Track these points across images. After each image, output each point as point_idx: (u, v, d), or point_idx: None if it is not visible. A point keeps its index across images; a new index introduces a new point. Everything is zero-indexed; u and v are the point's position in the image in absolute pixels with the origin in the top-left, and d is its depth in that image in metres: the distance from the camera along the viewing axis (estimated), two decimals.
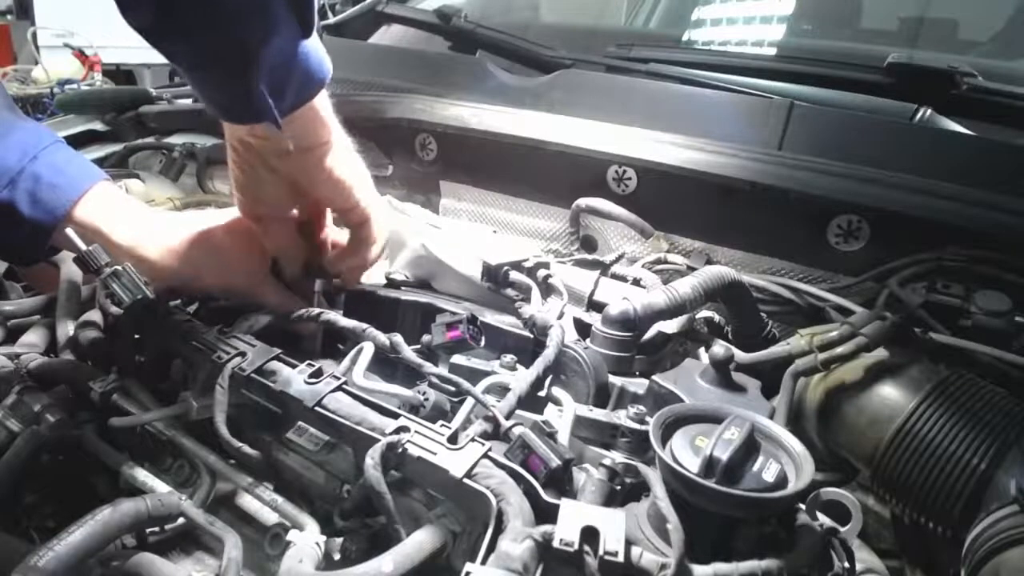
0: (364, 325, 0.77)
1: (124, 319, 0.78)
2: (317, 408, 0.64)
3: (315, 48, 0.69)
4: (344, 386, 0.67)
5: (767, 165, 0.99)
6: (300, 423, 0.67)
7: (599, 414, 0.71)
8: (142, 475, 0.68)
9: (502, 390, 0.70)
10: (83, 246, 0.75)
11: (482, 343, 0.80)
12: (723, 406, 0.60)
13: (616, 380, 0.77)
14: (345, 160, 0.79)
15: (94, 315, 0.87)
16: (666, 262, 1.03)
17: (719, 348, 0.73)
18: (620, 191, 1.11)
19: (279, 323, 0.83)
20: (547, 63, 1.34)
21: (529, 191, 1.20)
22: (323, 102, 0.75)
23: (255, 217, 0.83)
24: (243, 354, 0.71)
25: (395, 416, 0.63)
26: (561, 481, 0.58)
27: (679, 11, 1.99)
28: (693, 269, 0.97)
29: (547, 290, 0.90)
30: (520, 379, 0.70)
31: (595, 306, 0.90)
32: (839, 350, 0.71)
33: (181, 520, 0.63)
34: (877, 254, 0.94)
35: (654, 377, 0.75)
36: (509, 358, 0.77)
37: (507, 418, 0.64)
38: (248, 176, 0.79)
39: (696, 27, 1.79)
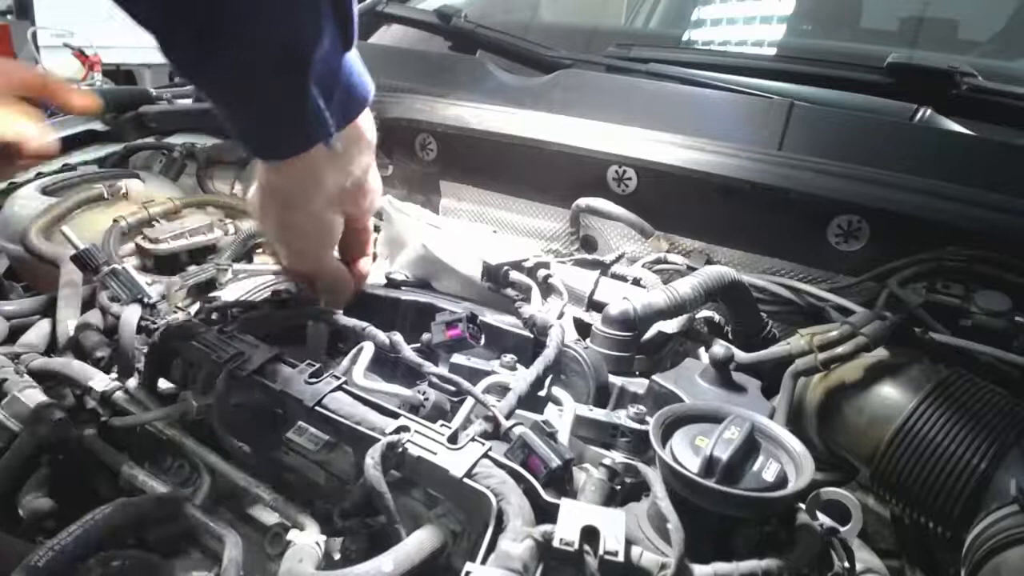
0: (364, 324, 0.78)
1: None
2: (317, 408, 0.64)
3: (357, 64, 0.67)
4: (344, 386, 0.67)
5: (767, 165, 0.99)
6: (300, 423, 0.67)
7: (599, 414, 0.71)
8: (142, 475, 0.68)
9: (502, 390, 0.70)
10: (80, 245, 0.75)
11: (482, 342, 0.80)
12: (723, 406, 0.60)
13: (616, 380, 0.77)
14: (377, 174, 0.79)
15: (94, 315, 0.87)
16: (666, 262, 1.03)
17: (719, 348, 0.73)
18: (620, 191, 1.11)
19: (278, 323, 0.83)
20: (547, 63, 1.34)
21: (529, 191, 1.20)
22: (367, 124, 0.73)
23: (303, 275, 0.81)
24: (243, 354, 0.71)
25: (395, 416, 0.63)
26: (561, 481, 0.58)
27: (679, 11, 1.99)
28: (693, 269, 0.97)
29: (547, 290, 0.90)
30: (520, 379, 0.70)
31: (595, 306, 0.90)
32: (839, 350, 0.71)
33: (181, 520, 0.63)
34: (877, 254, 0.94)
35: (654, 377, 0.75)
36: (509, 358, 0.77)
37: (507, 418, 0.64)
38: (289, 229, 0.75)
39: (696, 27, 1.79)
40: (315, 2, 0.59)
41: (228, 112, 0.66)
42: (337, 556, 0.60)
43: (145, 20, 0.57)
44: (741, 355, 0.78)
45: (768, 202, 0.99)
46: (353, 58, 0.66)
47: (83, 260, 0.76)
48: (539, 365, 0.72)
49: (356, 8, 0.62)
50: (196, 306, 0.88)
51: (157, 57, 0.62)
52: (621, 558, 0.49)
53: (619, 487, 0.60)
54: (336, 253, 0.84)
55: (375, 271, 0.94)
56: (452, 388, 0.70)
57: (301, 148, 0.67)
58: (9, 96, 0.69)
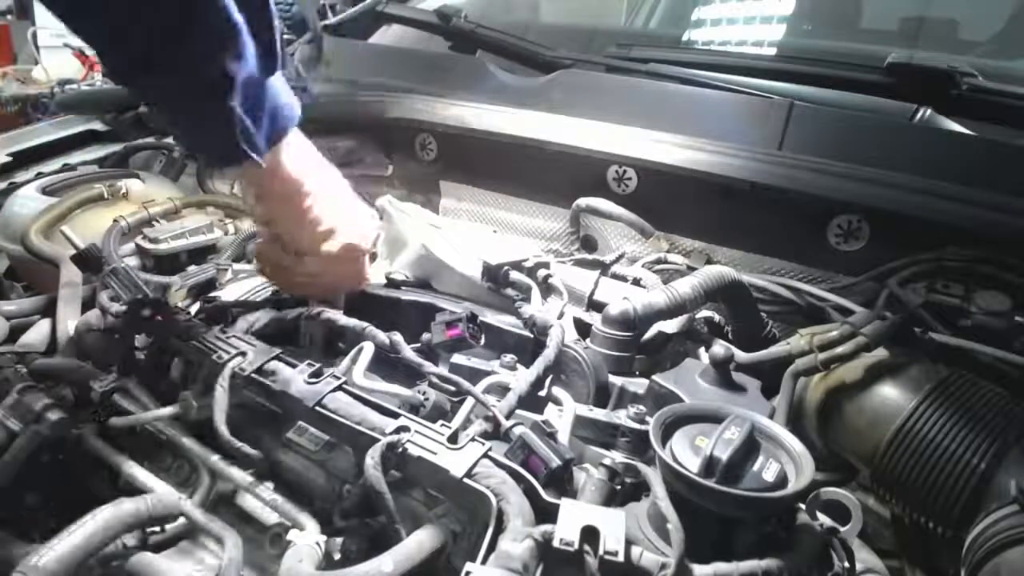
0: (364, 324, 0.77)
1: (124, 319, 0.78)
2: (317, 408, 0.64)
3: (284, 88, 0.71)
4: (344, 386, 0.67)
5: (767, 165, 0.99)
6: (300, 423, 0.67)
7: (599, 414, 0.71)
8: (142, 475, 0.68)
9: (502, 390, 0.70)
10: (80, 245, 0.75)
11: (482, 341, 0.80)
12: (723, 406, 0.60)
13: (616, 380, 0.77)
14: (326, 207, 0.79)
15: (94, 315, 0.87)
16: (666, 262, 1.03)
17: (719, 348, 0.73)
18: (620, 191, 1.11)
19: (278, 323, 0.83)
20: (547, 63, 1.33)
21: (529, 191, 1.20)
22: (299, 150, 0.75)
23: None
24: (243, 354, 0.71)
25: (395, 416, 0.63)
26: (561, 481, 0.58)
27: (679, 11, 1.99)
28: (693, 269, 0.97)
29: (547, 290, 0.90)
30: (520, 379, 0.70)
31: (595, 306, 0.90)
32: (839, 350, 0.71)
33: (181, 520, 0.63)
34: (877, 254, 0.94)
35: (654, 377, 0.75)
36: (509, 358, 0.77)
37: (507, 418, 0.64)
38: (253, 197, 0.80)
39: (696, 27, 1.79)
40: (236, 33, 0.62)
41: (169, 119, 0.72)
42: (337, 556, 0.60)
43: (89, 40, 0.63)
44: (741, 355, 0.78)
45: (768, 202, 0.99)
46: (279, 82, 0.70)
47: (83, 260, 0.76)
48: (539, 365, 0.72)
49: (280, 36, 0.67)
50: (196, 306, 0.88)
51: None
52: (621, 558, 0.49)
53: (619, 487, 0.59)
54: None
55: (375, 271, 0.94)
56: (452, 388, 0.70)
57: (234, 163, 0.70)
58: None
